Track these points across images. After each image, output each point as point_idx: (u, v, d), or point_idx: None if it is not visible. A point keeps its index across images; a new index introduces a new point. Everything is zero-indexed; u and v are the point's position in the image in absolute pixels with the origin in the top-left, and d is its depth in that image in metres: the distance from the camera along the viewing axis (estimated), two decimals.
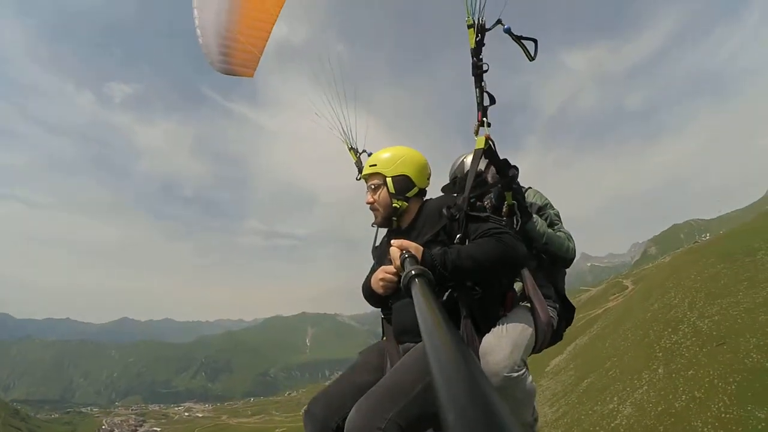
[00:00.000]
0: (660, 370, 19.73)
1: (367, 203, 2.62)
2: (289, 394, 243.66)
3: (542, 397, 34.77)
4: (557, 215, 3.07)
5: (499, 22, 2.63)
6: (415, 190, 2.59)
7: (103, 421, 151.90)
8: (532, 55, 2.71)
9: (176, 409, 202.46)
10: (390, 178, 2.53)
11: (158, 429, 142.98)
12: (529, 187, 3.21)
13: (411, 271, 1.50)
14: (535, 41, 2.71)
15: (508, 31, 2.66)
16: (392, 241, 2.11)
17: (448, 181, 3.39)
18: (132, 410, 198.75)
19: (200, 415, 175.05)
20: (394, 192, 2.53)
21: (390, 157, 2.59)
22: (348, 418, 1.91)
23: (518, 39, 2.70)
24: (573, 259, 2.92)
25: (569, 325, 2.91)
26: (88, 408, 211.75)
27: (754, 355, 13.87)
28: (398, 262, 1.99)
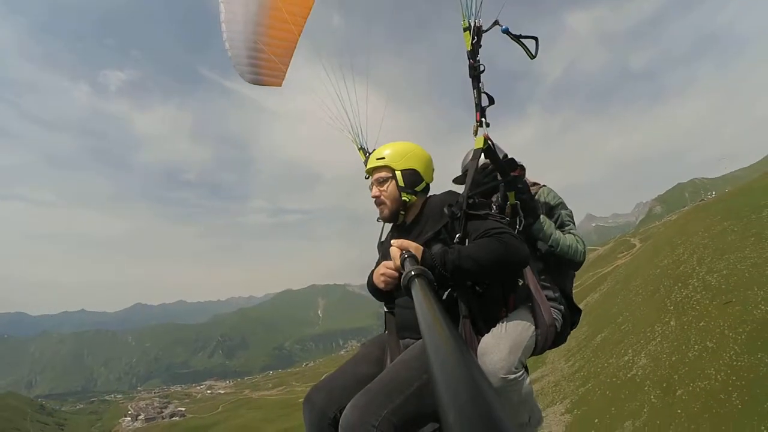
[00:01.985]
0: (672, 323, 20.31)
1: (373, 197, 2.56)
2: (307, 364, 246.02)
3: (557, 352, 35.97)
4: (569, 216, 2.96)
5: (496, 23, 2.63)
6: (423, 184, 2.57)
7: (129, 407, 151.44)
8: (533, 53, 2.70)
9: (198, 387, 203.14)
10: (399, 172, 2.50)
11: (183, 409, 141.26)
12: (543, 185, 3.09)
13: (411, 271, 1.50)
14: (535, 39, 2.69)
15: (506, 31, 2.64)
16: (392, 241, 2.10)
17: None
18: (155, 393, 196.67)
19: (222, 392, 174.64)
20: (403, 185, 2.50)
21: (398, 150, 2.56)
22: (343, 414, 1.91)
23: (517, 38, 2.68)
24: (582, 262, 2.83)
25: (574, 327, 2.85)
26: (112, 395, 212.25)
27: (762, 307, 14.50)
28: (398, 262, 1.98)
